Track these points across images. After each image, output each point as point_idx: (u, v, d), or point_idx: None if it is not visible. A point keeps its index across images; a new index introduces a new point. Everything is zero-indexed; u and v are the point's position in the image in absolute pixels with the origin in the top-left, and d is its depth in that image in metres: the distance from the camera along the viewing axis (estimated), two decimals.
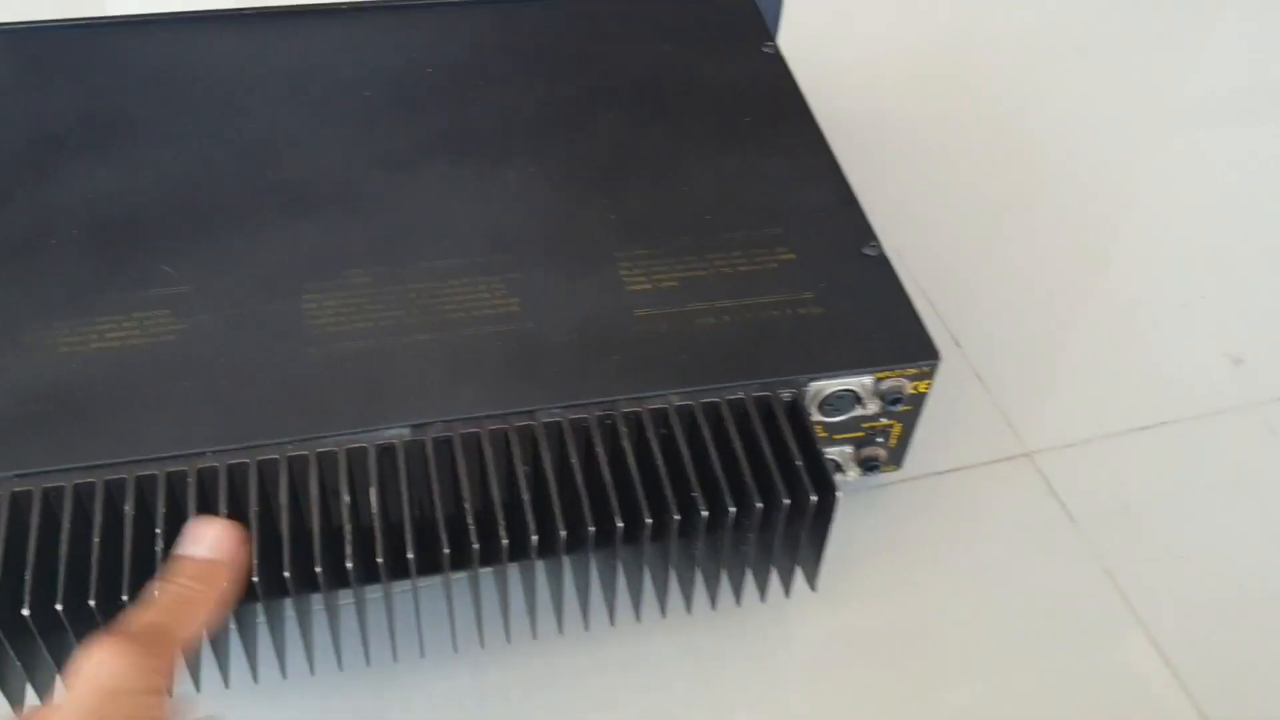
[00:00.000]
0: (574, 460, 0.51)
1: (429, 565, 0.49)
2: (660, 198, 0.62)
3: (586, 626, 0.55)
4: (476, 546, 0.48)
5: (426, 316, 0.56)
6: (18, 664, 0.47)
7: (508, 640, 0.56)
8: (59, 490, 0.48)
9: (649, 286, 0.57)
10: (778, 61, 0.70)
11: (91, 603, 0.46)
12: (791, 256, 0.59)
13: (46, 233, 0.58)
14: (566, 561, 0.53)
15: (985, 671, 0.56)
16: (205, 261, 0.57)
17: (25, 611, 0.45)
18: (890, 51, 0.92)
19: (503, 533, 0.49)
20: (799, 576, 0.56)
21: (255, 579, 0.46)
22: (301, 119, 0.65)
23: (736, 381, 0.53)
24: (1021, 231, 0.78)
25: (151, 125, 0.64)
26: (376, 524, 0.48)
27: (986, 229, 0.78)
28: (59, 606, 0.46)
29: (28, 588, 0.45)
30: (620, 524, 0.49)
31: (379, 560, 0.48)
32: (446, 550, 0.48)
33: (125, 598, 0.46)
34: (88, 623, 0.46)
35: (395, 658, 0.55)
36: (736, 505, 0.50)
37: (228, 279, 0.56)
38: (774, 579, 0.56)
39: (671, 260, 0.58)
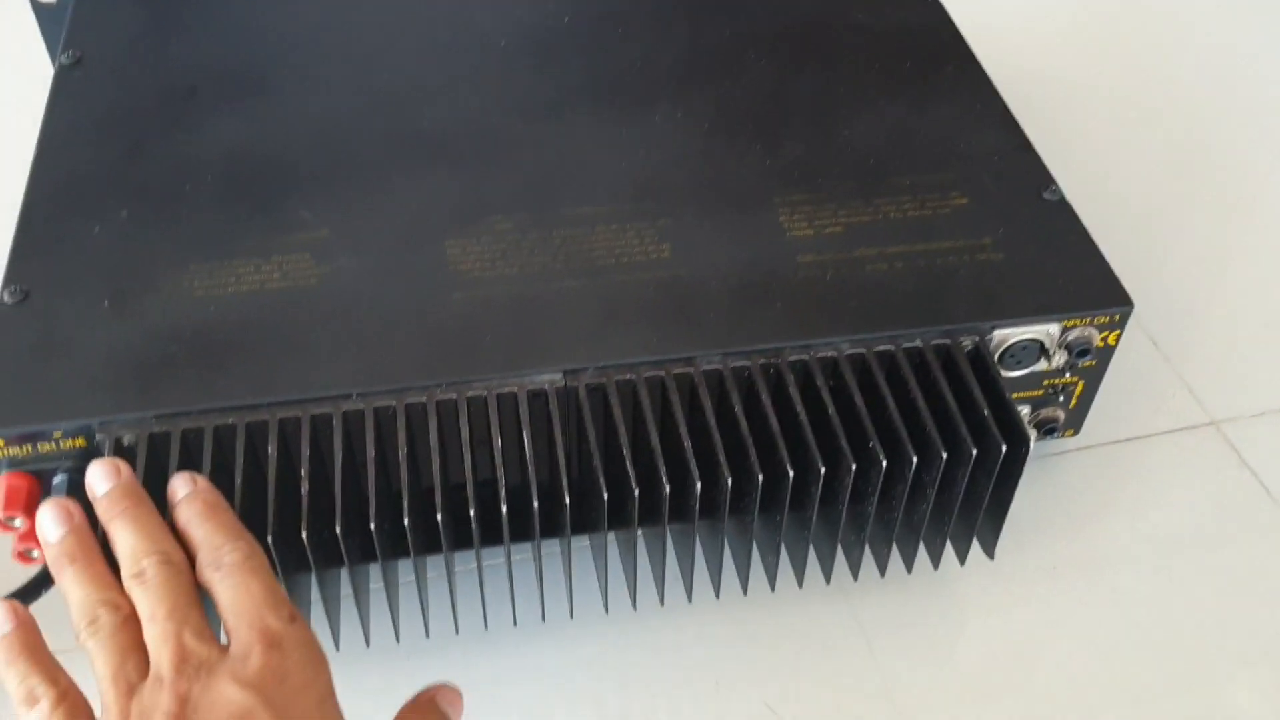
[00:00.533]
0: (737, 409, 0.47)
1: (582, 522, 0.46)
2: (818, 143, 0.58)
3: (745, 592, 0.51)
4: (637, 492, 0.45)
5: (575, 263, 0.52)
6: None
7: (672, 601, 0.52)
8: (198, 432, 0.46)
9: (811, 233, 0.53)
10: (937, 8, 0.66)
11: (269, 538, 0.43)
12: (965, 201, 0.54)
13: (182, 179, 0.55)
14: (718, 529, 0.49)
15: (1177, 661, 0.51)
16: (344, 207, 0.55)
17: None
18: (1051, 6, 0.87)
19: (665, 480, 0.45)
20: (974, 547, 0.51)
21: (406, 521, 0.43)
22: (439, 67, 0.62)
23: (914, 329, 0.49)
24: (1194, 193, 0.73)
25: (288, 74, 0.62)
26: (509, 478, 0.45)
27: (1159, 190, 0.73)
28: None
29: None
30: (791, 473, 0.45)
31: (534, 505, 0.44)
32: (605, 495, 0.45)
33: (269, 539, 0.43)
34: None
35: (543, 618, 0.51)
36: (918, 456, 0.46)
37: (367, 225, 0.54)
38: (946, 552, 0.51)
39: (834, 206, 0.54)
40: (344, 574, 0.48)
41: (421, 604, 0.49)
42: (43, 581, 0.48)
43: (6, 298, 0.50)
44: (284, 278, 0.51)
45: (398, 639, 0.49)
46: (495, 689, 0.50)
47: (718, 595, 0.51)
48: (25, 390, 0.46)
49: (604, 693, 0.51)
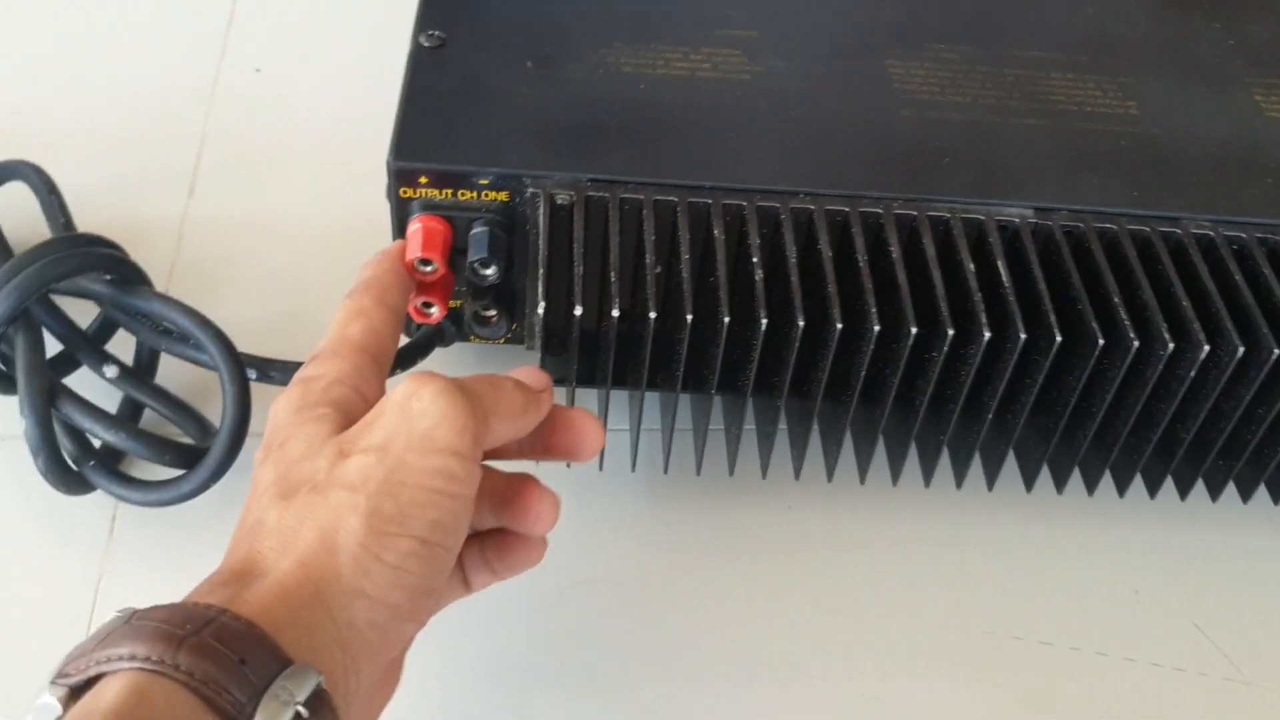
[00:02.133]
0: (1237, 277, 0.41)
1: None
2: None
3: (1183, 497, 0.45)
4: (1102, 342, 0.39)
5: (1031, 103, 0.47)
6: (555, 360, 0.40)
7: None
8: (635, 203, 0.41)
9: None
10: None
11: (652, 315, 0.38)
12: None
13: None
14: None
15: None
16: (772, 12, 0.50)
17: (578, 310, 0.38)
18: None
19: (1132, 335, 0.39)
20: None
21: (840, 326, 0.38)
22: None
23: None
24: None
25: None
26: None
27: None
28: (615, 314, 0.38)
29: (579, 289, 0.39)
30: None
31: (1021, 336, 0.39)
32: (1059, 338, 0.39)
33: (724, 320, 0.38)
34: (640, 337, 0.39)
35: (926, 484, 0.46)
36: None
37: (799, 32, 0.49)
38: None
39: None
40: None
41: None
42: (430, 341, 0.44)
43: (424, 40, 0.45)
44: (715, 69, 0.46)
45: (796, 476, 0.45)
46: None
47: (1152, 495, 0.45)
48: (450, 131, 0.42)
49: (998, 575, 0.45)
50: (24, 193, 0.49)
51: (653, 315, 0.38)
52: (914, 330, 0.39)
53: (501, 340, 0.47)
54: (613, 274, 0.39)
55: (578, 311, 0.38)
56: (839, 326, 0.38)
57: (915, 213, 0.42)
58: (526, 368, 0.37)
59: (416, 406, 0.32)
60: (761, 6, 0.50)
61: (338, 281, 0.44)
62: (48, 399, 0.39)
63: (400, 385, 0.32)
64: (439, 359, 0.45)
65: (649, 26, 0.48)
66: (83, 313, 0.46)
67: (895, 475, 0.45)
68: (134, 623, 0.27)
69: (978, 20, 0.51)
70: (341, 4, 0.64)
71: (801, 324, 0.38)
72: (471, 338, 0.47)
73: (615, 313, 0.38)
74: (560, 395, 0.38)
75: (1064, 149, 0.45)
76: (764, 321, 0.38)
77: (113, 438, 0.40)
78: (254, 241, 0.53)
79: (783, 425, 0.44)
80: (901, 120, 0.45)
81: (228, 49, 0.62)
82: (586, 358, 0.42)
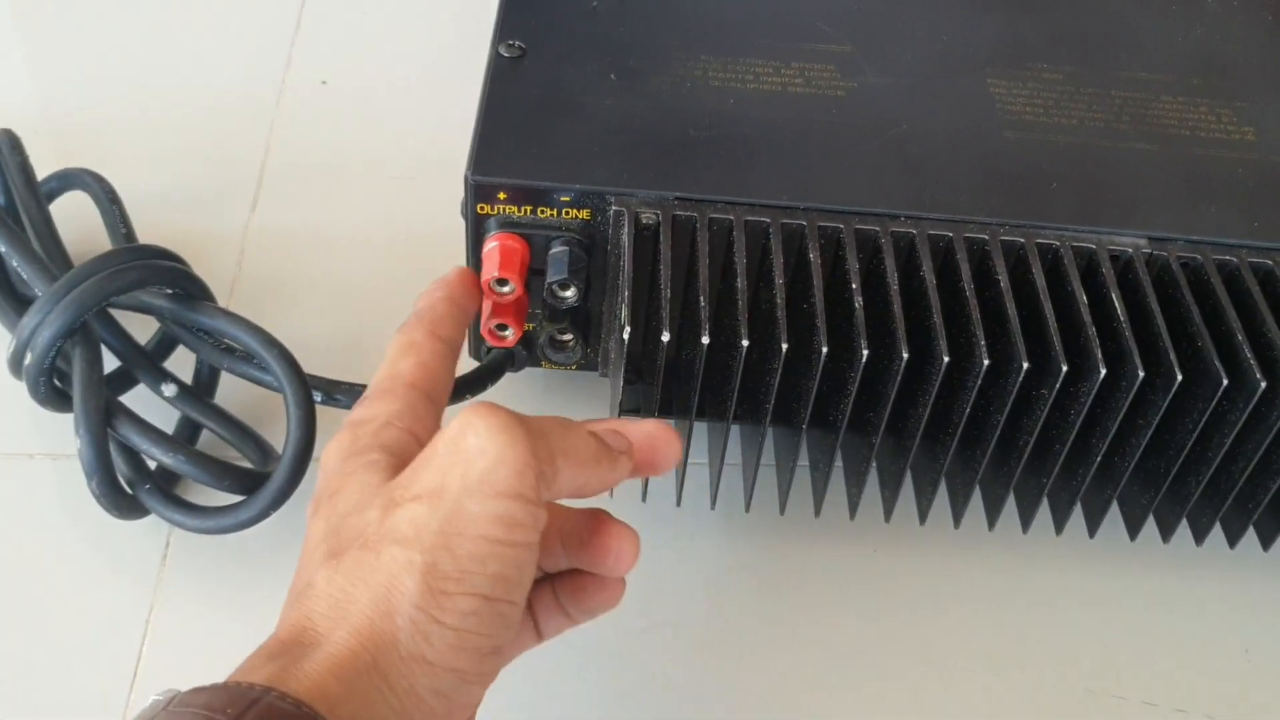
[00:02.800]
0: None
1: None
2: None
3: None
4: (1226, 383, 0.36)
5: (1141, 126, 0.44)
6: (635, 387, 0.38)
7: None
8: (724, 223, 0.39)
9: None
10: None
11: (744, 343, 0.36)
12: None
13: None
14: None
15: None
16: (863, 27, 0.47)
17: (665, 337, 0.36)
18: None
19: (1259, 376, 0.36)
20: None
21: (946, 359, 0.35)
22: None
23: None
24: None
25: None
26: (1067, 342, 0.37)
27: None
28: (706, 340, 0.36)
29: (667, 314, 0.36)
30: None
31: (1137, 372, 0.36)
32: (1179, 376, 0.36)
33: (820, 350, 0.35)
34: (727, 366, 0.36)
35: (990, 527, 0.43)
36: None
37: (895, 48, 0.46)
38: None
39: None
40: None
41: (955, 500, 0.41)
42: (501, 365, 0.42)
43: (503, 50, 0.43)
44: (807, 84, 0.44)
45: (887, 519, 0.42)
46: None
47: (1266, 547, 0.42)
48: (530, 145, 0.40)
49: (1100, 629, 0.42)
50: (84, 202, 0.48)
51: (745, 344, 0.36)
52: (1025, 365, 0.36)
53: (574, 366, 0.45)
54: (702, 299, 0.37)
55: (665, 338, 0.36)
56: (945, 360, 0.36)
57: (1023, 239, 0.40)
58: (610, 422, 0.33)
59: (473, 444, 0.29)
60: (854, 20, 0.48)
61: (404, 300, 0.42)
62: (104, 418, 0.37)
63: (455, 420, 0.29)
64: (508, 387, 0.43)
65: (737, 39, 0.46)
66: (142, 328, 0.44)
67: (991, 520, 0.42)
68: (174, 709, 0.25)
69: (1081, 39, 0.48)
70: (411, 15, 0.62)
71: (906, 356, 0.36)
72: (543, 363, 0.44)
73: (706, 339, 0.36)
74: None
75: (1177, 176, 0.43)
76: (865, 354, 0.36)
77: (170, 460, 0.38)
78: (319, 257, 0.51)
79: (873, 463, 0.41)
80: (1005, 142, 0.43)
81: (293, 59, 0.60)
82: (665, 386, 0.39)
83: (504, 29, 0.45)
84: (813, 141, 0.42)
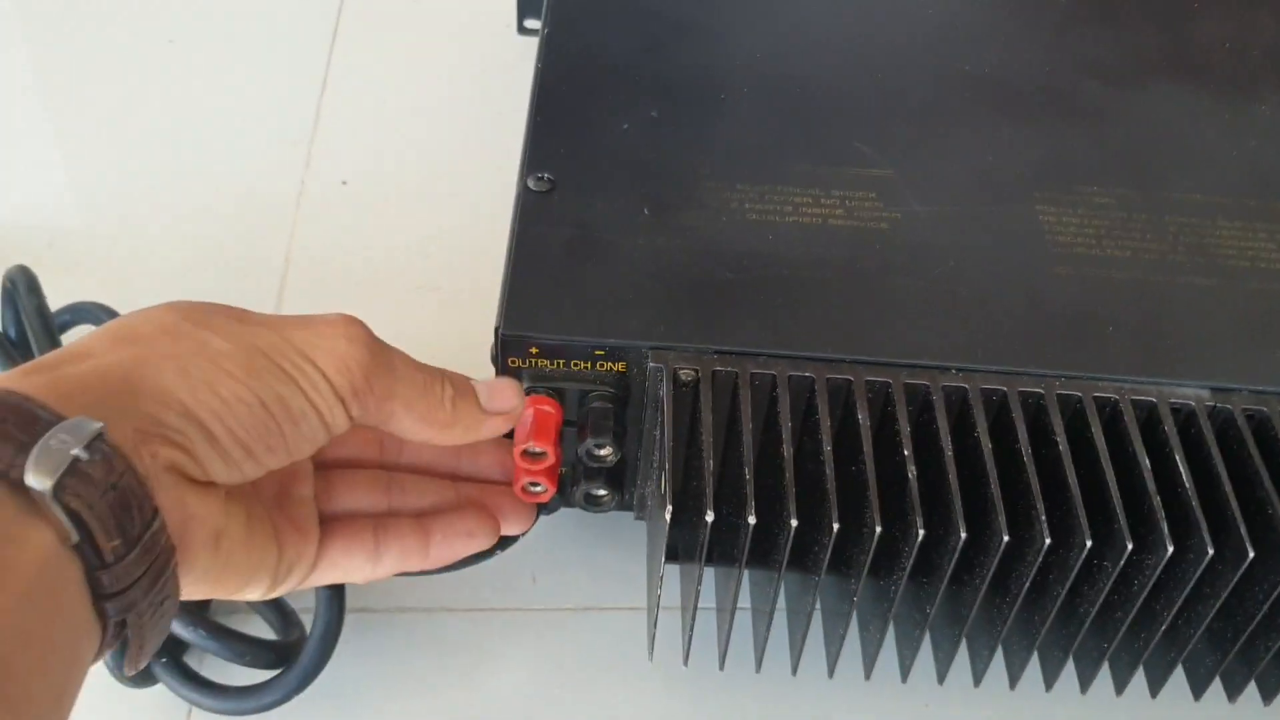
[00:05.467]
0: None
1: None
2: None
3: None
4: None
5: (1198, 257, 0.42)
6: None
7: None
8: (767, 379, 0.37)
9: None
10: None
11: (793, 523, 0.34)
12: None
13: (714, 88, 0.47)
14: None
15: None
16: (905, 149, 0.46)
17: (709, 516, 0.34)
18: None
19: None
20: None
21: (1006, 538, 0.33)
22: (990, 13, 0.53)
23: None
24: None
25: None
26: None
27: None
28: (751, 520, 0.34)
29: (710, 489, 0.34)
30: None
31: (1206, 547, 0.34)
32: (1251, 553, 0.34)
33: (874, 528, 0.34)
34: (773, 539, 0.35)
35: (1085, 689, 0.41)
36: None
37: (937, 170, 0.45)
38: None
39: None
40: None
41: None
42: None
43: (532, 184, 0.42)
44: (848, 215, 0.42)
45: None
46: None
47: None
48: (563, 295, 0.39)
49: None
50: None
51: (794, 524, 0.34)
52: (1089, 544, 0.34)
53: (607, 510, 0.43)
54: (747, 471, 0.35)
55: (709, 518, 0.34)
56: (1005, 539, 0.34)
57: (1080, 393, 0.38)
58: (502, 380, 0.36)
59: (331, 323, 0.32)
60: (894, 140, 0.46)
61: None
62: None
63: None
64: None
65: (774, 164, 0.44)
66: None
67: (1049, 681, 0.40)
68: None
69: (1130, 155, 0.46)
70: (429, 113, 0.61)
71: (964, 536, 0.34)
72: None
73: (752, 519, 0.34)
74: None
75: (1238, 315, 0.41)
76: (920, 534, 0.34)
77: (190, 635, 0.36)
78: None
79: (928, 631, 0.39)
80: (1058, 279, 0.41)
81: (312, 159, 0.59)
82: (709, 554, 0.37)
83: (532, 160, 0.43)
84: (856, 283, 0.40)
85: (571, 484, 0.41)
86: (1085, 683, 0.40)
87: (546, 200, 0.42)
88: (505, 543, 0.40)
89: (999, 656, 0.40)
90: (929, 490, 0.35)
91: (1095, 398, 0.38)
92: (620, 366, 0.38)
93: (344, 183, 0.58)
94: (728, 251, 0.41)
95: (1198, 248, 0.43)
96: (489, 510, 0.38)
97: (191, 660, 0.38)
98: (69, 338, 0.46)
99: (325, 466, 0.37)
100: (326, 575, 0.35)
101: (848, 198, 0.43)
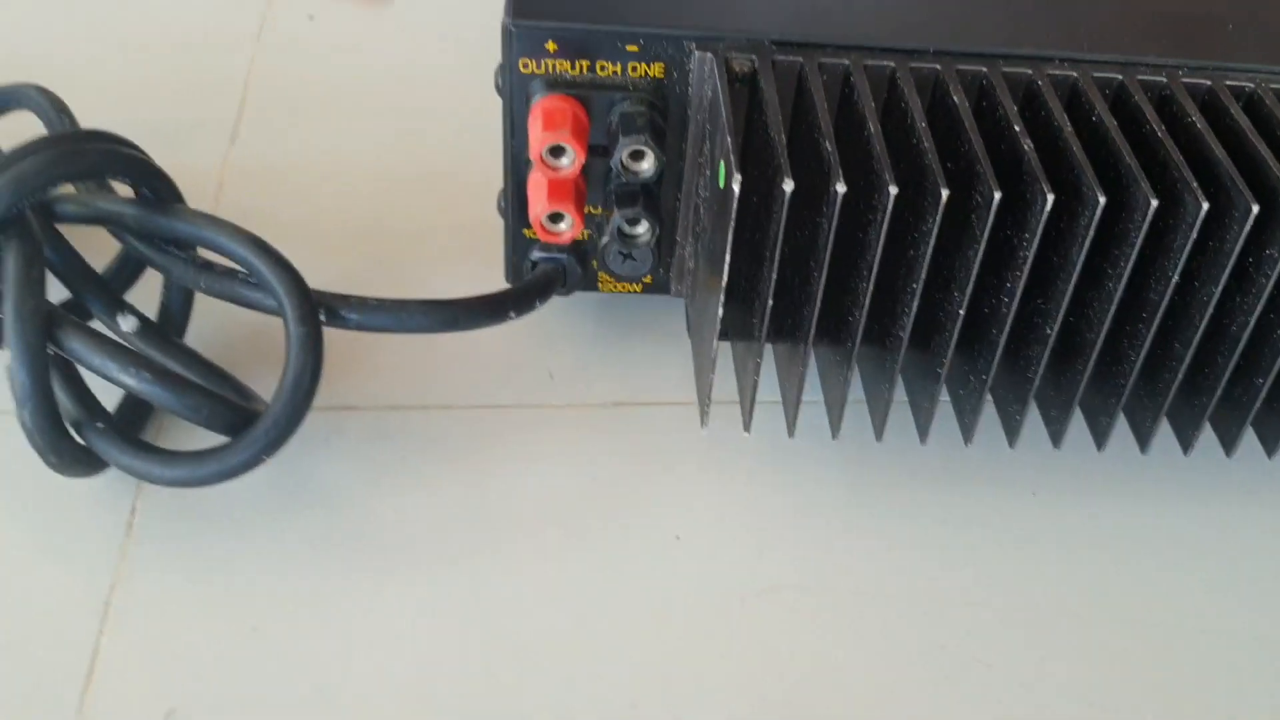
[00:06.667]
0: None
1: None
2: None
3: None
4: None
5: None
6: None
7: None
8: (839, 69, 0.31)
9: None
10: None
11: (892, 189, 0.27)
12: None
13: None
14: None
15: None
16: None
17: (788, 186, 0.27)
18: None
19: None
20: None
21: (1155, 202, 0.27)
22: None
23: None
24: None
25: None
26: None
27: None
28: (840, 188, 0.27)
29: (785, 159, 0.28)
30: None
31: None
32: None
33: (991, 194, 0.27)
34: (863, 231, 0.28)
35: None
36: None
37: None
38: None
39: None
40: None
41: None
42: (549, 281, 0.33)
43: None
44: None
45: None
46: None
47: None
48: None
49: None
50: (32, 125, 0.39)
51: (893, 190, 0.27)
52: (1255, 209, 0.27)
53: (639, 287, 0.36)
54: (827, 143, 0.28)
55: (788, 186, 0.27)
56: (1153, 204, 0.27)
57: (1209, 81, 0.31)
58: None
59: None
60: None
61: (391, 237, 0.40)
62: (43, 326, 0.28)
63: None
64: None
65: None
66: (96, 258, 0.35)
67: (1186, 445, 0.33)
68: None
69: None
70: None
71: (1103, 200, 0.27)
72: (601, 283, 0.36)
73: (841, 187, 0.27)
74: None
75: None
76: (1049, 198, 0.27)
77: (134, 382, 0.28)
78: (301, 193, 0.43)
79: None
80: None
81: None
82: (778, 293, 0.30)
83: None
84: None
85: (600, 236, 0.34)
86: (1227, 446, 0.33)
87: None
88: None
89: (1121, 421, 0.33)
90: (1053, 167, 0.29)
91: (1229, 85, 0.31)
92: (657, 69, 0.31)
93: (310, 17, 0.52)
94: None
95: None
96: None
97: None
98: (6, 121, 0.39)
99: None
100: None
101: None
